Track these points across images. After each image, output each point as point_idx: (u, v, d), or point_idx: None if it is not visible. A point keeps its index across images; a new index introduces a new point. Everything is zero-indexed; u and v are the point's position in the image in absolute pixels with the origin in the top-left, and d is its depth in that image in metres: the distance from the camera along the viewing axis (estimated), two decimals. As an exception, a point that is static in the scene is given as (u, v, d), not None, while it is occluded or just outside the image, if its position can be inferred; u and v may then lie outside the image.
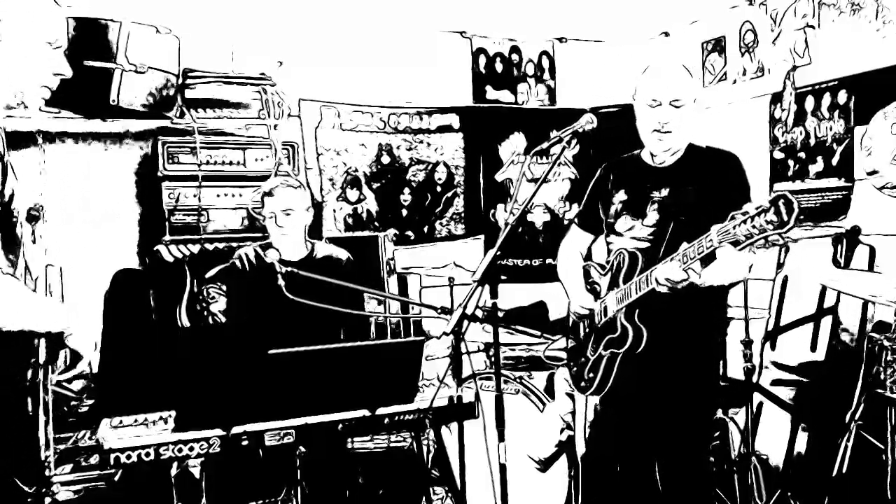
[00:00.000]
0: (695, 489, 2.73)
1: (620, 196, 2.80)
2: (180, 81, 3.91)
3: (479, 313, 2.51)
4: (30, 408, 2.04)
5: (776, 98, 4.12)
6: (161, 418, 2.67)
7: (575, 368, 2.91)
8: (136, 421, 2.65)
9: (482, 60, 4.91)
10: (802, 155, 3.98)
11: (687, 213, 2.61)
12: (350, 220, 4.60)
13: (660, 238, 2.65)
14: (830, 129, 3.82)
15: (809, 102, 3.93)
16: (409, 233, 4.76)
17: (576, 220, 3.06)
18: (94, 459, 2.41)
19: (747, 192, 2.62)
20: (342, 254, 3.36)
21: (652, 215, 2.69)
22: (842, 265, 3.58)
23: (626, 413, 2.79)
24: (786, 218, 2.11)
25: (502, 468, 2.50)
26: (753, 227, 2.17)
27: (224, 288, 3.83)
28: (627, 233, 2.76)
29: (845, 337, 3.60)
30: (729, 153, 2.70)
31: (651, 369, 2.65)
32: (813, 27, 3.88)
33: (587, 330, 2.86)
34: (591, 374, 2.78)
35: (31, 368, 2.08)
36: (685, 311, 2.58)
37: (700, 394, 2.74)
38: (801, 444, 3.68)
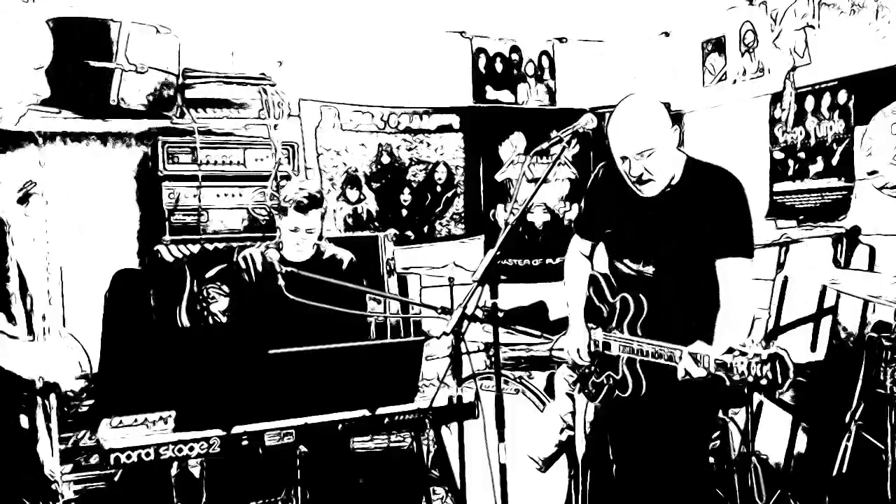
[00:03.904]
0: (695, 490, 2.73)
1: (619, 214, 2.71)
2: (180, 81, 3.90)
3: (479, 313, 2.51)
4: (26, 424, 2.04)
5: (776, 98, 4.12)
6: (161, 418, 2.67)
7: (580, 374, 2.88)
8: (136, 421, 2.66)
9: (482, 60, 4.91)
10: (802, 155, 3.99)
11: (682, 249, 2.56)
12: (350, 220, 4.60)
13: (663, 272, 2.60)
14: (830, 129, 3.82)
15: (809, 102, 3.93)
16: (409, 233, 4.76)
17: (574, 226, 3.01)
18: (94, 459, 2.41)
19: (748, 220, 2.53)
20: (346, 254, 3.37)
21: (649, 260, 2.62)
22: (842, 265, 3.58)
23: (627, 413, 2.78)
24: (780, 380, 2.11)
25: (502, 468, 2.50)
26: (749, 371, 2.16)
27: (225, 288, 3.84)
28: (630, 264, 2.69)
29: (845, 337, 3.60)
30: (729, 176, 2.57)
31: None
32: (813, 27, 3.88)
33: (590, 351, 2.82)
34: (594, 391, 2.77)
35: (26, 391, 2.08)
36: None
37: (701, 395, 2.73)
38: (801, 444, 3.68)
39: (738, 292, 2.47)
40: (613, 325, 2.70)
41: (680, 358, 2.40)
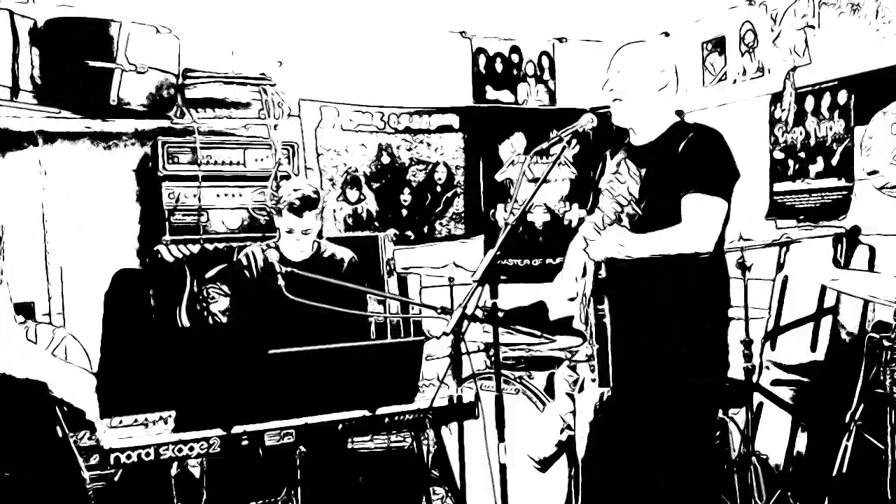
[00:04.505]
0: (696, 489, 2.73)
1: (606, 177, 2.79)
2: (180, 81, 3.90)
3: (479, 313, 2.51)
4: (60, 433, 2.06)
5: (776, 98, 4.12)
6: (161, 418, 2.67)
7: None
8: (136, 421, 2.65)
9: (482, 60, 4.91)
10: (802, 155, 3.99)
11: (653, 191, 2.59)
12: (350, 220, 4.60)
13: (637, 226, 2.63)
14: (830, 129, 3.82)
15: (809, 102, 3.93)
16: (409, 233, 4.76)
17: (587, 213, 3.05)
18: (94, 459, 2.41)
19: (722, 162, 2.57)
20: (347, 253, 3.37)
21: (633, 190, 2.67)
22: (842, 265, 3.58)
23: (626, 413, 2.78)
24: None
25: (502, 468, 2.50)
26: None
27: (224, 288, 3.84)
28: (606, 213, 2.73)
29: (845, 337, 3.60)
30: (709, 128, 2.64)
31: (644, 367, 2.63)
32: (813, 27, 3.88)
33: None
34: (592, 368, 2.78)
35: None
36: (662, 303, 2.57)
37: (700, 392, 2.73)
38: (801, 444, 3.68)
39: (695, 223, 2.48)
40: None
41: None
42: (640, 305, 2.59)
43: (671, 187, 2.54)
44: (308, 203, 3.17)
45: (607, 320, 2.59)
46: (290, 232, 3.20)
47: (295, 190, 3.20)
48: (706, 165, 2.54)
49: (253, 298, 3.30)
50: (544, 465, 3.46)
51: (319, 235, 3.35)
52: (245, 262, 3.31)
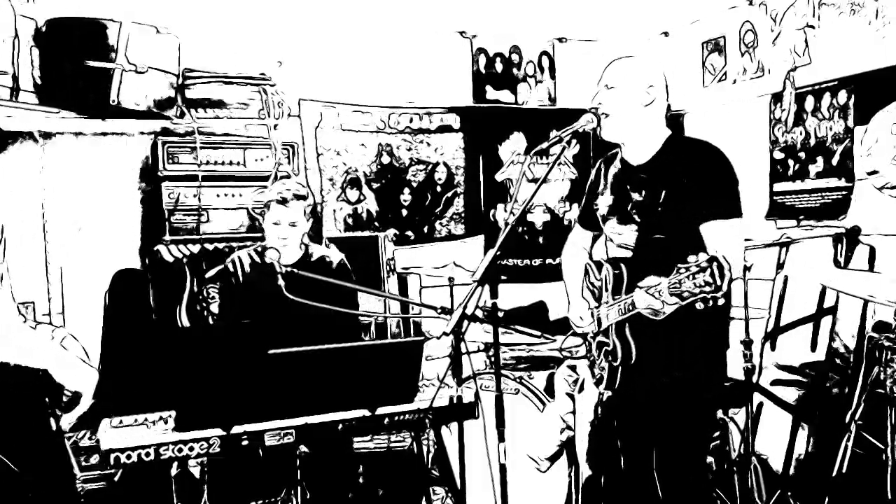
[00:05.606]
0: (693, 490, 2.73)
1: (606, 198, 2.78)
2: (180, 81, 3.91)
3: (479, 313, 2.51)
4: (53, 426, 2.07)
5: (776, 98, 4.12)
6: (161, 418, 2.67)
7: (589, 361, 2.89)
8: (136, 421, 2.66)
9: (482, 60, 4.91)
10: (802, 155, 3.99)
11: (663, 216, 2.58)
12: (350, 220, 4.60)
13: (642, 245, 2.62)
14: (830, 129, 3.82)
15: (809, 102, 3.93)
16: (409, 233, 4.76)
17: (577, 220, 3.05)
18: (94, 459, 2.41)
19: (729, 181, 2.54)
20: (336, 255, 3.37)
21: (632, 221, 2.66)
22: (842, 265, 3.58)
23: (629, 413, 2.78)
24: (719, 282, 2.14)
25: (502, 468, 2.50)
26: (695, 285, 2.18)
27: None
28: (615, 238, 2.74)
29: (839, 345, 3.60)
30: (707, 144, 2.63)
31: (652, 375, 2.63)
32: (813, 27, 3.88)
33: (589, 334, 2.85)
34: (601, 374, 2.78)
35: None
36: (679, 324, 2.53)
37: (701, 396, 2.72)
38: (801, 445, 3.68)
39: (723, 248, 2.43)
40: (603, 298, 2.73)
41: (633, 305, 2.43)
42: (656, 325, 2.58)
43: (682, 213, 2.53)
44: (294, 196, 3.19)
45: (633, 348, 2.60)
46: (276, 224, 3.19)
47: (283, 184, 3.25)
48: (720, 190, 2.52)
49: (243, 299, 3.29)
50: (544, 465, 3.46)
51: (319, 239, 3.35)
52: (231, 269, 3.30)
